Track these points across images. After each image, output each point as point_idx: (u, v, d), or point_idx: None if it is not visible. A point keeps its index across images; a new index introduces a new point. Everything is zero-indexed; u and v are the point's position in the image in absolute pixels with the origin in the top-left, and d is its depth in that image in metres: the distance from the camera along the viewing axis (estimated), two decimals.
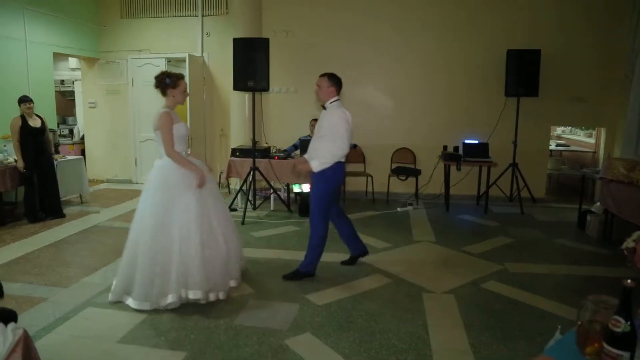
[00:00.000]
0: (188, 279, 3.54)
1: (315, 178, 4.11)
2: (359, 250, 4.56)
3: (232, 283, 3.94)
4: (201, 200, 3.69)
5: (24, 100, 5.95)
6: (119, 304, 3.66)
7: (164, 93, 3.81)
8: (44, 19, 7.39)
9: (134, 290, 3.59)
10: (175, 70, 9.58)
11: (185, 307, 3.57)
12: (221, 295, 3.71)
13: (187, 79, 7.83)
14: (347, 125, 3.99)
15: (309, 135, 6.87)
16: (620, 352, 1.26)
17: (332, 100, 4.08)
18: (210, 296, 3.64)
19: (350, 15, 7.57)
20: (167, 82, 3.76)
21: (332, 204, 4.24)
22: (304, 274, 4.17)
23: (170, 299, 3.52)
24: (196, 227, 3.58)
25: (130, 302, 3.61)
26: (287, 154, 6.82)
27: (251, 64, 6.15)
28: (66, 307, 3.59)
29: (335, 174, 4.07)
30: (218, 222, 3.79)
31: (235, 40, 6.31)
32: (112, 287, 3.79)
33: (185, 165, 3.69)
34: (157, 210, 3.59)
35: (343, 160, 4.10)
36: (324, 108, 4.14)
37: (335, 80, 4.10)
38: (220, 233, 3.78)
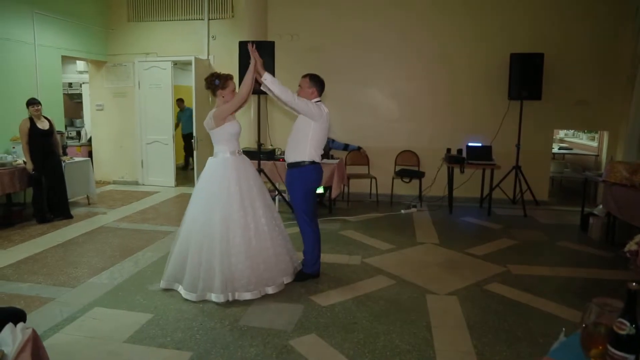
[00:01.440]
0: (235, 283, 3.70)
1: (290, 181, 4.15)
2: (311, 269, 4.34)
3: (286, 280, 4.03)
4: (249, 199, 3.83)
5: (32, 102, 6.02)
6: (127, 303, 3.71)
7: (214, 94, 3.95)
8: (53, 22, 7.47)
9: (184, 279, 3.82)
10: (181, 73, 9.68)
11: (192, 308, 3.63)
12: (270, 290, 3.85)
13: (192, 82, 7.95)
14: (315, 113, 3.93)
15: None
16: (625, 355, 1.26)
17: (313, 101, 4.06)
18: (260, 291, 3.79)
19: (354, 19, 7.61)
20: (216, 83, 3.88)
21: (315, 205, 4.25)
22: (308, 275, 4.21)
23: (214, 297, 3.69)
24: (241, 227, 3.73)
25: (180, 289, 3.85)
26: None
27: None
28: (73, 307, 3.63)
29: (311, 174, 4.09)
30: (266, 220, 3.91)
31: (241, 43, 6.35)
32: (164, 275, 3.99)
33: (249, 76, 3.85)
34: (206, 207, 3.78)
35: (318, 160, 4.11)
36: None
37: (316, 81, 4.08)
38: (268, 230, 3.90)
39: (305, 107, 3.92)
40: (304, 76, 4.12)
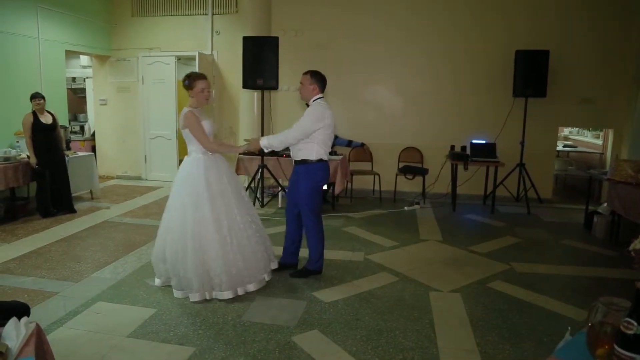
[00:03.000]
0: (212, 281, 3.68)
1: (297, 177, 4.13)
2: (289, 261, 4.40)
3: (267, 277, 4.02)
4: (222, 197, 3.80)
5: (34, 96, 6.02)
6: (130, 298, 3.73)
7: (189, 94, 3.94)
8: (57, 16, 7.46)
9: (171, 278, 3.85)
10: (184, 68, 9.66)
11: (194, 303, 3.63)
12: (252, 287, 3.84)
13: None
14: (317, 122, 3.91)
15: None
16: (632, 355, 1.26)
17: (314, 98, 4.03)
18: (238, 291, 3.75)
19: (359, 16, 7.59)
20: (186, 83, 3.88)
21: (320, 202, 4.24)
22: (311, 271, 4.21)
23: (191, 297, 3.68)
24: (213, 226, 3.69)
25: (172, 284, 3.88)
26: None
27: (260, 63, 6.19)
28: (77, 301, 3.64)
29: (319, 172, 4.07)
30: (242, 218, 3.89)
31: (245, 39, 6.35)
32: (156, 273, 4.01)
33: (226, 150, 3.99)
34: (179, 208, 3.76)
35: (326, 158, 4.09)
36: (308, 106, 4.10)
37: (318, 78, 4.04)
38: (244, 228, 3.88)
39: (309, 126, 3.92)
40: (305, 73, 4.08)
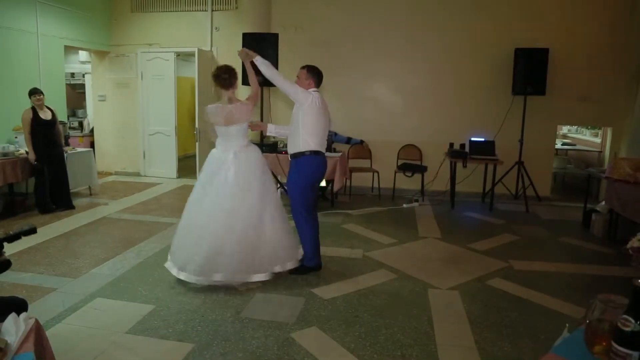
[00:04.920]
0: (218, 264, 3.79)
1: (290, 172, 4.13)
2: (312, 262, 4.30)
3: (256, 277, 3.93)
4: (265, 187, 4.00)
5: (34, 92, 6.00)
6: (129, 294, 3.73)
7: (229, 88, 4.09)
8: (56, 11, 7.44)
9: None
10: (183, 64, 9.66)
11: (193, 299, 3.64)
12: (256, 277, 3.93)
13: (195, 74, 7.91)
14: (303, 94, 3.94)
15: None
16: (629, 352, 1.26)
17: (310, 91, 4.04)
18: (246, 277, 3.88)
19: (359, 13, 7.58)
20: (225, 77, 4.06)
21: (313, 199, 4.23)
22: (310, 268, 4.21)
23: (192, 279, 3.84)
24: (257, 211, 3.89)
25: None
26: None
27: None
28: (75, 297, 3.64)
29: (310, 166, 4.05)
30: (275, 207, 4.06)
31: (245, 35, 6.34)
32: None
33: (253, 74, 4.12)
34: (202, 196, 3.93)
35: (319, 149, 4.08)
36: None
37: (314, 72, 4.08)
38: (272, 219, 4.00)
39: (290, 89, 3.96)
40: (302, 67, 4.13)
